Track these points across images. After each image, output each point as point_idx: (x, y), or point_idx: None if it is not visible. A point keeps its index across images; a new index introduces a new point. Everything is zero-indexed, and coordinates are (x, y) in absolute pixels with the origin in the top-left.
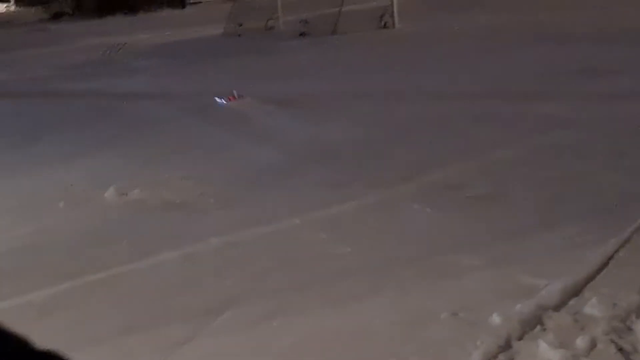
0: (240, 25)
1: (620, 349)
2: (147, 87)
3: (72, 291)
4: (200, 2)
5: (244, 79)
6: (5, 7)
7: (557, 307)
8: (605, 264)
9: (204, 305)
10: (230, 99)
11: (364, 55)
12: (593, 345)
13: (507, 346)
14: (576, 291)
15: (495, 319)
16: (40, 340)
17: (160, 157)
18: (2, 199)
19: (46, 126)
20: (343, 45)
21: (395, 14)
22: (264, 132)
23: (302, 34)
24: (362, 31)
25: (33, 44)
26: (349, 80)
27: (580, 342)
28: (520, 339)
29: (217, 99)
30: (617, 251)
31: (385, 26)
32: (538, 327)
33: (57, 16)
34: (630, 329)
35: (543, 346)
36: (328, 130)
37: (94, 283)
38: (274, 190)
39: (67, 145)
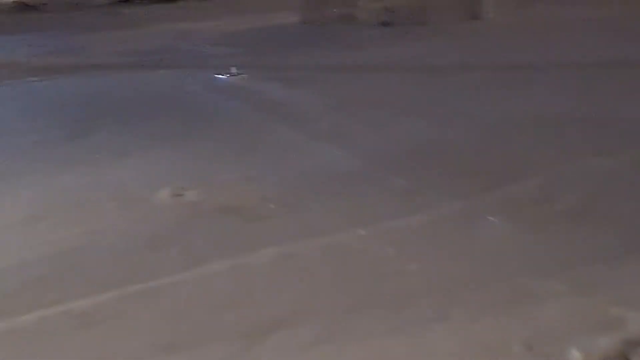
0: (319, 12)
1: None
2: (214, 79)
3: (115, 301)
4: None
5: (319, 74)
6: None
7: None
8: None
9: (252, 324)
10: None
11: (451, 49)
12: None
13: None
14: None
15: (575, 354)
16: (78, 353)
17: (222, 155)
18: (49, 196)
19: (107, 116)
20: (428, 38)
21: (490, 3)
22: (336, 132)
23: (385, 24)
24: (451, 22)
25: (103, 27)
26: (432, 78)
27: None
28: None
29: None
30: None
31: (477, 16)
32: None
33: None
34: None
35: None
36: (405, 132)
37: (139, 293)
38: (340, 197)
39: (125, 138)
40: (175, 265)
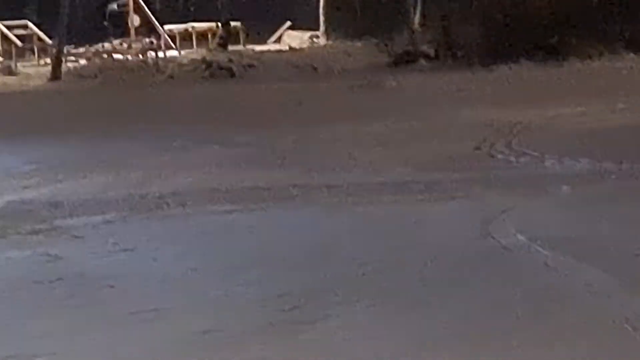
0: None
1: None
2: (554, 225)
3: None
4: None
5: None
6: (310, 37)
7: None
8: None
9: None
10: None
11: None
12: None
13: None
14: None
15: None
16: None
17: None
18: None
19: (342, 290)
20: None
21: None
22: None
23: None
24: None
25: (350, 114)
26: None
27: None
28: None
29: None
30: None
31: None
32: None
33: (403, 60)
34: None
35: None
36: None
37: None
38: None
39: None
40: None
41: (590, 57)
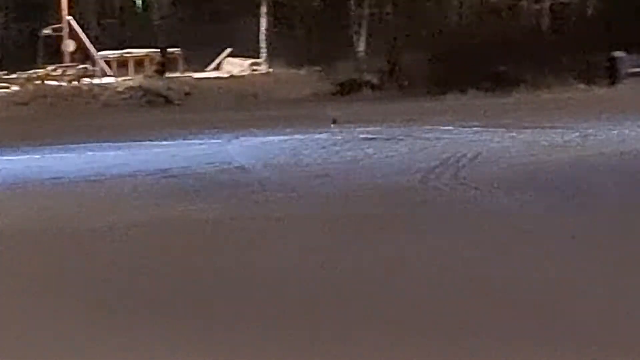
0: None
1: None
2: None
3: None
4: None
5: None
6: (251, 65)
7: None
8: None
9: None
10: None
11: None
12: None
13: None
14: None
15: None
16: None
17: None
18: None
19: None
20: None
21: None
22: None
23: None
24: None
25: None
26: None
27: None
28: None
29: None
30: None
31: None
32: None
33: (347, 89)
34: None
35: None
36: None
37: None
38: None
39: None
40: None
41: (539, 87)
